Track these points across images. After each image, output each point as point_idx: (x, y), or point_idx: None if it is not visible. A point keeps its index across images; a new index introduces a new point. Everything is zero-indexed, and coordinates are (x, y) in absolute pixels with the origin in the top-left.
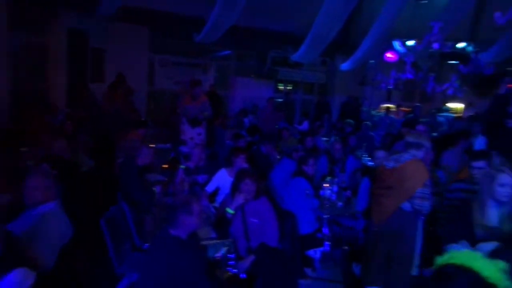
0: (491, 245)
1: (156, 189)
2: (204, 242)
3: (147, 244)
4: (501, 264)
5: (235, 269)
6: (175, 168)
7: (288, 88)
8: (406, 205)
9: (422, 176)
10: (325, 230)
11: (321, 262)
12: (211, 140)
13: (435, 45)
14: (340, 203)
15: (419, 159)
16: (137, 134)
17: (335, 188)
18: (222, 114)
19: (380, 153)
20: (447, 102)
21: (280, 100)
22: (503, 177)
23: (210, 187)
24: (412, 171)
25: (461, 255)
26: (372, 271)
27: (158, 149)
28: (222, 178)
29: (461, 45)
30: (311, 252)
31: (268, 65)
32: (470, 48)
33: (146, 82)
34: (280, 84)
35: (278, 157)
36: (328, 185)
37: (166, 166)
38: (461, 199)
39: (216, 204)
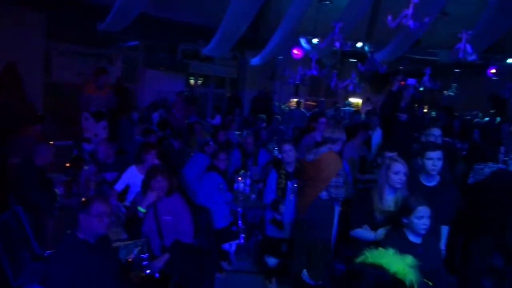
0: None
1: (58, 190)
2: (115, 244)
3: (49, 252)
4: (409, 259)
5: (149, 269)
6: (78, 167)
7: (199, 81)
8: (324, 194)
9: (336, 166)
10: (240, 223)
11: (237, 254)
12: (116, 135)
13: (337, 44)
14: (253, 196)
15: (335, 152)
16: (33, 131)
17: (248, 181)
18: (130, 108)
19: (287, 147)
20: (348, 97)
21: (191, 94)
22: (397, 166)
23: (119, 186)
24: (327, 163)
25: (374, 253)
26: (296, 257)
27: (59, 146)
28: (132, 176)
29: (359, 44)
30: (226, 245)
31: (178, 58)
32: (367, 48)
33: (42, 73)
34: (191, 78)
35: (190, 152)
36: (241, 178)
37: (68, 164)
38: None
39: (127, 203)
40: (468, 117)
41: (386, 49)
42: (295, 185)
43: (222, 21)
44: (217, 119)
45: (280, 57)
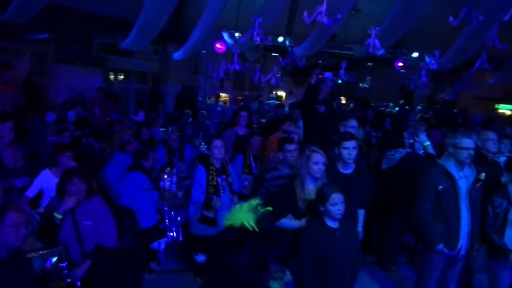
0: None
1: None
2: (29, 255)
3: None
4: (246, 206)
5: (69, 278)
6: None
7: (119, 77)
8: None
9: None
10: (167, 221)
11: (165, 253)
12: (25, 136)
13: (256, 39)
14: (180, 193)
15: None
16: None
17: (174, 178)
18: (41, 106)
19: (217, 142)
20: (273, 91)
21: (111, 90)
22: (316, 156)
23: (31, 192)
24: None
25: (228, 216)
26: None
27: None
28: (46, 180)
29: (281, 39)
30: (155, 244)
31: (94, 52)
32: (288, 42)
33: None
34: (110, 73)
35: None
36: (167, 176)
37: None
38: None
39: (41, 210)
40: (381, 108)
41: (304, 44)
42: (224, 182)
43: (140, 13)
44: (140, 116)
45: (203, 51)
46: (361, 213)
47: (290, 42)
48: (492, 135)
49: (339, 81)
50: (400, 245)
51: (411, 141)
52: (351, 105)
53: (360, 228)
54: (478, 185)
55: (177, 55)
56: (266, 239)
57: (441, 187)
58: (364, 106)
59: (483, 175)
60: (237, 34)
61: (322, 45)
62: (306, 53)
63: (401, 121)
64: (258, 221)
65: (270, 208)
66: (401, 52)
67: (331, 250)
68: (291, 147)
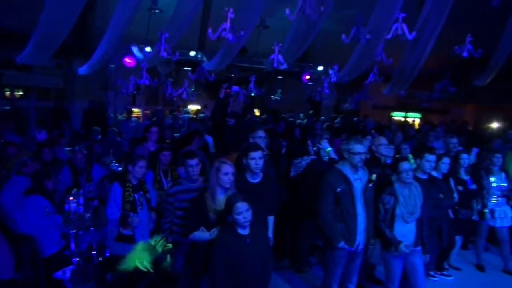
0: None
1: None
2: None
3: None
4: (140, 246)
5: None
6: None
7: (17, 94)
8: None
9: None
10: (73, 246)
11: (72, 281)
12: None
13: (163, 54)
14: (88, 214)
15: None
16: None
17: (81, 199)
18: None
19: (142, 163)
20: (187, 105)
21: (6, 108)
22: (225, 167)
23: None
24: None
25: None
26: None
27: None
28: None
29: (192, 53)
30: (58, 273)
31: None
32: (199, 56)
33: None
34: (6, 90)
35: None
36: (73, 198)
37: None
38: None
39: None
40: (291, 119)
41: (214, 58)
42: (142, 198)
43: (37, 25)
44: (42, 135)
45: (111, 65)
46: (271, 219)
47: (201, 57)
48: (383, 140)
49: (252, 94)
50: (312, 247)
51: (315, 148)
52: (263, 116)
53: (270, 234)
54: (370, 185)
55: (83, 69)
56: (165, 279)
57: (339, 189)
58: (276, 117)
59: (374, 176)
60: (148, 49)
61: (231, 59)
62: (216, 68)
63: (309, 130)
64: (156, 261)
65: (170, 246)
66: (308, 66)
67: (243, 257)
68: (193, 161)
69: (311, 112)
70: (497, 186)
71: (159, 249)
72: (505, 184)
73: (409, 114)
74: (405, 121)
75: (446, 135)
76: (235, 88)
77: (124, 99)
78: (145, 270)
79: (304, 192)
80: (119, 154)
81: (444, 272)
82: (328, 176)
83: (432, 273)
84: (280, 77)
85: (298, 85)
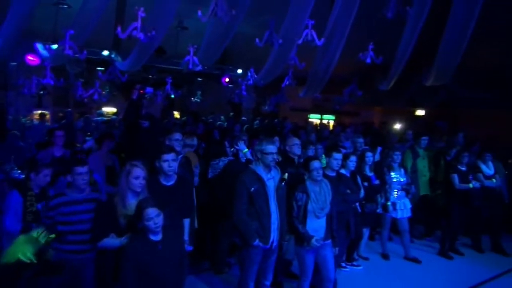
0: None
1: None
2: None
3: None
4: (22, 238)
5: None
6: None
7: None
8: None
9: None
10: None
11: None
12: None
13: (68, 52)
14: None
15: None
16: None
17: None
18: None
19: (46, 171)
20: (102, 107)
21: None
22: (137, 171)
23: None
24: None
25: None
26: None
27: None
28: None
29: (106, 53)
30: None
31: None
32: (113, 56)
33: None
34: None
35: None
36: None
37: None
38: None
39: None
40: (212, 120)
41: (129, 58)
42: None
43: None
44: None
45: (12, 63)
46: (186, 222)
47: (116, 56)
48: (296, 140)
49: (172, 96)
50: (231, 247)
51: (232, 149)
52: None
53: (186, 236)
54: (283, 184)
55: None
56: (48, 269)
57: (253, 189)
58: (196, 120)
59: (286, 175)
60: (55, 46)
61: (146, 60)
62: (131, 68)
63: (228, 132)
64: (39, 252)
65: (53, 236)
66: (228, 69)
67: (154, 264)
68: (82, 169)
69: (232, 114)
70: (397, 181)
71: (42, 241)
72: (404, 179)
73: (325, 116)
74: (321, 123)
75: (354, 135)
76: (149, 89)
77: (28, 100)
78: (28, 261)
79: (222, 193)
80: (21, 161)
81: (354, 263)
82: (242, 176)
83: (343, 264)
84: (200, 79)
85: (218, 88)
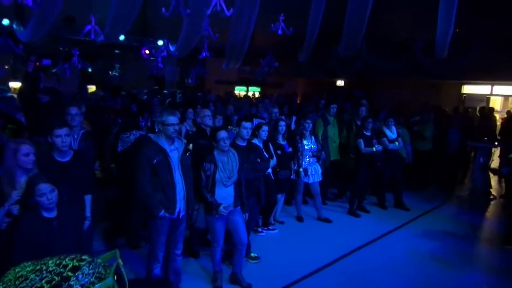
0: None
1: None
2: None
3: None
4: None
5: None
6: None
7: None
8: None
9: None
10: None
11: None
12: None
13: None
14: None
15: None
16: None
17: None
18: None
19: None
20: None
21: None
22: (25, 148)
23: None
24: None
25: None
26: None
27: None
28: None
29: (6, 21)
30: None
31: None
32: (15, 26)
33: None
34: None
35: None
36: None
37: None
38: None
39: None
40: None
41: (27, 27)
42: None
43: None
44: None
45: None
46: (88, 198)
47: (18, 26)
48: (207, 112)
49: (89, 70)
50: (145, 221)
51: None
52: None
53: (88, 213)
54: (187, 154)
55: None
56: None
57: (155, 160)
58: (113, 94)
59: (190, 146)
60: None
61: (47, 30)
62: (32, 39)
63: (145, 106)
64: None
65: None
66: (148, 40)
67: (49, 241)
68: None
69: (155, 88)
70: (308, 148)
71: None
72: (315, 146)
73: (251, 88)
74: (246, 95)
75: (269, 105)
76: (46, 61)
77: None
78: None
79: (131, 167)
80: None
81: (270, 227)
82: (144, 149)
83: (259, 229)
84: (117, 51)
85: (140, 60)
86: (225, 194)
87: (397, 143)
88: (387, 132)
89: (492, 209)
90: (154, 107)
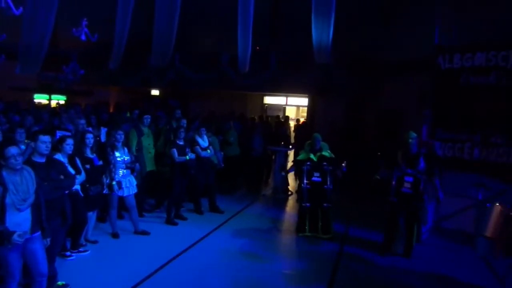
0: None
1: None
2: None
3: None
4: None
5: None
6: None
7: None
8: None
9: None
10: None
11: None
12: None
13: None
14: None
15: None
16: None
17: None
18: None
19: None
20: None
21: None
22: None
23: None
24: None
25: None
26: None
27: None
28: None
29: None
30: None
31: None
32: None
33: None
34: None
35: None
36: None
37: None
38: None
39: None
40: None
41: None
42: None
43: None
44: None
45: None
46: None
47: None
48: None
49: None
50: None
51: None
52: None
53: None
54: None
55: None
56: None
57: None
58: None
59: None
60: None
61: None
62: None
63: None
64: None
65: None
66: None
67: None
68: None
69: None
70: (121, 160)
71: None
72: (128, 158)
73: (54, 96)
74: (47, 104)
75: (75, 116)
76: None
77: None
78: None
79: None
80: None
81: (81, 249)
82: None
83: (67, 253)
84: None
85: None
86: (19, 220)
87: (209, 150)
88: (199, 140)
89: (290, 203)
90: None
